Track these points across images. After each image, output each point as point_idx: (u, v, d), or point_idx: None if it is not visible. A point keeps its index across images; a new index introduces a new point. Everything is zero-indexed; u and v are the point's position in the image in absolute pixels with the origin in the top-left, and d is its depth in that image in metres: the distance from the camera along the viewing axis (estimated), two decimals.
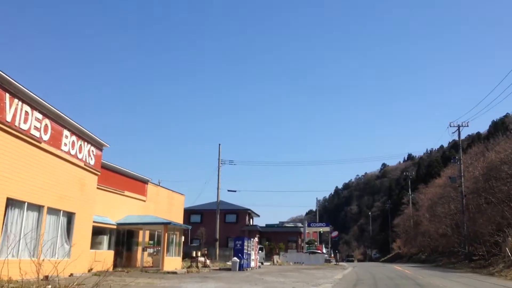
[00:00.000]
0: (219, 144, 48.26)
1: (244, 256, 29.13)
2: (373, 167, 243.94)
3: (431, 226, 58.58)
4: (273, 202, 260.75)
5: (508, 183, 39.46)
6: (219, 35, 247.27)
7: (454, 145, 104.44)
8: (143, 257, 24.35)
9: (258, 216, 63.02)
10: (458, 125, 46.05)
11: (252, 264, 31.72)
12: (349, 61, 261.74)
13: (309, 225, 66.76)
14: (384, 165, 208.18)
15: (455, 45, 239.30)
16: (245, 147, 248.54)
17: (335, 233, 78.56)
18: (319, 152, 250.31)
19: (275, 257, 44.87)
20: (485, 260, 37.77)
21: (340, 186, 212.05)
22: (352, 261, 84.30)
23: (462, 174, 45.63)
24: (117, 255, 24.57)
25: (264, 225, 60.07)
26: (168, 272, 22.51)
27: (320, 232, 76.46)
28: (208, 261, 35.35)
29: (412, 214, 74.17)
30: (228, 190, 48.75)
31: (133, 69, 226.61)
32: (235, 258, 28.53)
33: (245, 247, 29.33)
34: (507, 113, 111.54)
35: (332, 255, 73.63)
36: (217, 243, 46.91)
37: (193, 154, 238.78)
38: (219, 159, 48.01)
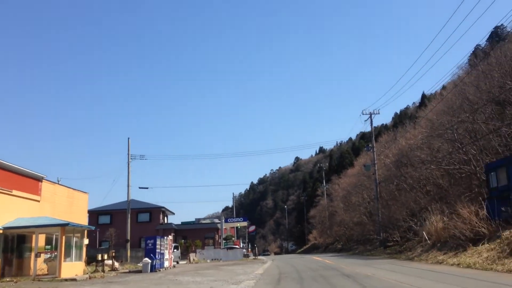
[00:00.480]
0: (128, 138, 44.82)
1: (157, 256, 26.42)
2: (287, 161, 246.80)
3: (346, 216, 58.83)
4: (188, 199, 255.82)
5: (419, 169, 39.76)
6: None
7: (362, 136, 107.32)
8: (36, 264, 20.91)
9: (173, 214, 60.08)
10: (370, 112, 46.05)
11: (166, 264, 29.06)
12: (257, 52, 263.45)
13: (226, 221, 64.70)
14: (297, 158, 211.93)
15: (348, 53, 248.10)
16: (157, 142, 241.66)
17: (252, 228, 77.34)
18: (235, 146, 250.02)
19: (191, 255, 42.32)
20: (400, 246, 37.80)
21: (255, 181, 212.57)
22: (268, 254, 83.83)
23: (375, 162, 45.69)
24: (5, 263, 20.99)
25: (180, 223, 57.19)
26: (66, 280, 19.36)
27: (237, 227, 74.95)
28: (117, 264, 32.25)
29: (327, 205, 74.56)
30: (140, 187, 46.55)
31: (30, 52, 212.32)
32: (147, 258, 25.77)
33: (157, 247, 26.61)
34: (408, 105, 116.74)
35: (250, 249, 72.35)
36: (128, 244, 43.53)
37: (100, 150, 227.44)
38: (128, 154, 44.57)
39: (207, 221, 59.53)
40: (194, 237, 53.12)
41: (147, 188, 44.61)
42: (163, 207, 53.18)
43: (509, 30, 52.17)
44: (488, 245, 20.74)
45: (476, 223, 22.53)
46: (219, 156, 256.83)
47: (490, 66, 31.76)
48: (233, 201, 79.20)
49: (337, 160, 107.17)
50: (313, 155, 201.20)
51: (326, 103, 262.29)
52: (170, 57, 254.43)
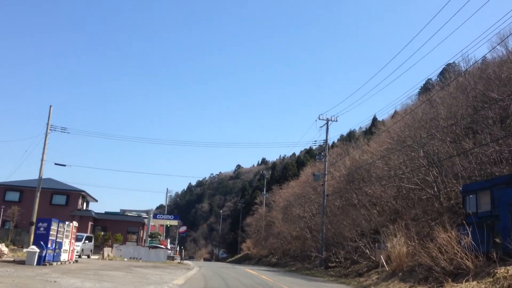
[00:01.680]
0: (50, 106, 37.78)
1: (50, 245, 20.05)
2: (228, 168, 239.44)
3: (285, 228, 53.77)
4: (116, 185, 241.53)
5: (372, 186, 35.49)
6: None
7: (309, 151, 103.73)
8: None
9: (96, 201, 52.85)
10: (327, 118, 41.29)
11: (64, 256, 22.64)
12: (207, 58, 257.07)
13: (155, 217, 57.93)
14: (238, 166, 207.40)
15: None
16: (89, 118, 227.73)
17: (183, 228, 70.73)
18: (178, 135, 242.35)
19: (106, 250, 35.73)
20: (344, 268, 33.12)
21: (194, 183, 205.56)
22: (193, 259, 77.58)
23: (326, 172, 40.92)
24: None
25: (103, 212, 50.07)
26: None
27: (167, 225, 68.21)
28: (5, 250, 25.53)
29: (265, 214, 69.35)
30: (56, 164, 38.29)
31: None
32: (34, 247, 19.34)
33: (52, 233, 20.23)
34: (353, 129, 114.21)
35: (178, 252, 65.90)
36: (33, 227, 36.35)
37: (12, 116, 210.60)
38: (48, 123, 37.53)
39: (133, 213, 52.64)
40: (115, 229, 46.33)
41: (64, 165, 37.50)
42: (84, 191, 46.06)
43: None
44: (475, 283, 15.86)
45: (458, 253, 17.65)
46: (156, 142, 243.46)
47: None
48: (166, 196, 72.58)
49: (280, 171, 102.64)
50: (255, 165, 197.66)
51: (274, 109, 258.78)
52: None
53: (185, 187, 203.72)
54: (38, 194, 36.97)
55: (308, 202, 51.70)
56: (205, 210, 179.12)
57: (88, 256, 35.01)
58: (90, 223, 46.35)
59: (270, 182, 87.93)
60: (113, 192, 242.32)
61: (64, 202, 45.50)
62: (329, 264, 38.20)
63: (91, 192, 49.44)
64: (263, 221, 67.87)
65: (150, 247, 39.32)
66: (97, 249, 38.71)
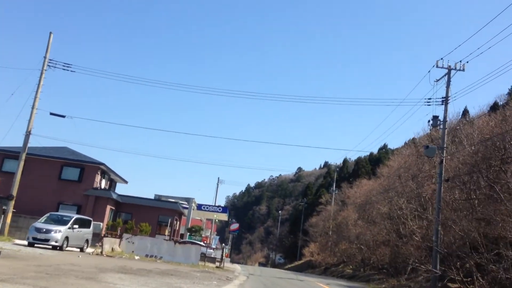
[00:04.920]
0: (50, 33, 25.64)
1: None
2: (289, 170, 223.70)
3: (366, 230, 39.17)
4: (154, 171, 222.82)
5: None
6: None
7: (382, 148, 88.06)
8: None
9: (125, 182, 40.50)
10: (449, 66, 26.66)
11: None
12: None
13: (199, 208, 45.25)
14: (299, 169, 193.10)
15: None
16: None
17: (235, 226, 57.42)
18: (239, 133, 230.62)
19: (109, 242, 22.94)
20: None
21: (252, 184, 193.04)
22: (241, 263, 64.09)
23: (445, 145, 26.22)
24: None
25: (130, 196, 37.54)
26: None
27: (215, 220, 55.36)
28: None
29: (335, 213, 54.81)
30: (52, 114, 26.05)
31: None
32: None
33: None
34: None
35: (227, 252, 52.76)
36: (11, 203, 24.33)
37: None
38: (46, 56, 25.44)
39: (171, 200, 39.83)
40: (143, 218, 33.66)
41: (63, 116, 24.65)
42: (103, 164, 33.65)
43: None
44: None
45: None
46: (211, 136, 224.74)
47: None
48: (217, 186, 59.44)
49: (352, 167, 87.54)
50: (317, 168, 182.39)
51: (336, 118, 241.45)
52: None
53: (243, 189, 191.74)
54: (23, 157, 24.95)
55: (397, 196, 37.11)
56: (262, 212, 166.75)
57: (82, 249, 22.33)
58: (109, 206, 33.98)
59: (338, 180, 73.09)
60: (152, 177, 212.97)
61: (76, 177, 33.34)
62: (450, 285, 23.82)
63: (117, 170, 37.23)
64: (331, 222, 53.35)
65: (177, 241, 26.13)
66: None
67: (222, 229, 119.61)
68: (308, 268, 56.39)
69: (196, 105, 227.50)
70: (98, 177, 34.11)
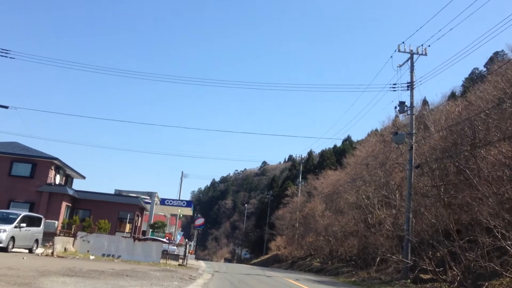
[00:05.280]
0: None
1: None
2: (253, 164, 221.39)
3: (335, 221, 38.33)
4: (112, 164, 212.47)
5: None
6: None
7: (346, 140, 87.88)
8: None
9: (83, 178, 38.25)
10: (411, 51, 25.93)
11: None
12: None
13: (162, 202, 43.45)
14: (264, 162, 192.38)
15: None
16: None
17: (200, 221, 55.49)
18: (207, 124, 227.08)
19: (61, 241, 21.04)
20: (448, 283, 18.66)
21: (217, 179, 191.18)
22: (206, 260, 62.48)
23: (414, 131, 25.47)
24: None
25: (87, 191, 35.32)
26: None
27: (179, 215, 53.58)
28: None
29: (302, 204, 53.94)
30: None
31: None
32: None
33: None
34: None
35: (192, 250, 51.05)
36: None
37: None
38: None
39: (132, 195, 37.82)
40: (102, 214, 31.57)
41: (6, 107, 22.35)
42: (57, 159, 31.42)
43: None
44: None
45: None
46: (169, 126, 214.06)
47: None
48: (181, 180, 57.57)
49: (315, 161, 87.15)
50: (282, 162, 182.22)
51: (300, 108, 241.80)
52: None
53: (209, 183, 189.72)
54: None
55: (364, 185, 36.47)
56: (228, 207, 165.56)
57: (30, 250, 20.33)
58: (64, 203, 31.78)
59: (304, 172, 72.35)
60: (112, 172, 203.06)
61: (28, 173, 30.97)
62: (422, 276, 23.10)
63: (73, 165, 35.02)
64: (298, 214, 52.43)
65: (136, 238, 24.38)
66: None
67: (187, 226, 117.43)
68: (275, 262, 55.37)
69: (156, 95, 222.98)
70: (52, 173, 31.84)
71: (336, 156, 78.98)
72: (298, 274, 30.93)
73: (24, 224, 19.47)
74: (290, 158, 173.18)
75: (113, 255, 22.11)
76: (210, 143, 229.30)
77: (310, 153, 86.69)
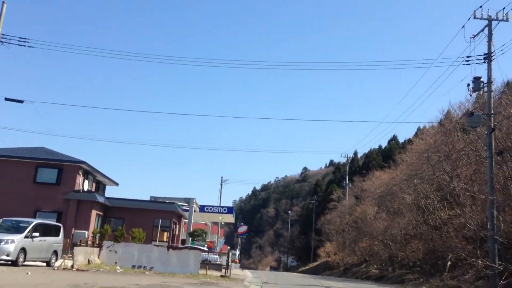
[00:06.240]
0: (4, 3, 20.67)
1: None
2: (294, 171, 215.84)
3: (394, 224, 33.87)
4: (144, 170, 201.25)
5: None
6: None
7: (393, 139, 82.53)
8: None
9: (116, 184, 35.46)
10: (489, 17, 21.54)
11: None
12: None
13: (201, 209, 40.11)
14: (305, 169, 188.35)
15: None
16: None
17: (243, 228, 52.16)
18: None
19: (81, 252, 17.78)
20: None
21: (258, 187, 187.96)
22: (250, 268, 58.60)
23: (492, 112, 21.00)
24: None
25: (120, 198, 32.36)
26: None
27: (221, 222, 50.22)
28: None
29: (350, 208, 49.55)
30: (7, 99, 21.03)
31: None
32: None
33: None
34: None
35: (236, 259, 47.49)
36: None
37: None
38: None
39: (167, 202, 34.59)
40: (136, 223, 28.56)
41: (21, 101, 19.27)
42: (84, 162, 28.63)
43: None
44: None
45: None
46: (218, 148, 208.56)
47: None
48: (221, 185, 54.23)
49: (360, 162, 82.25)
50: (323, 167, 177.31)
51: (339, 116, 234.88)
52: None
53: (250, 192, 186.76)
54: None
55: (424, 183, 32.07)
56: (270, 215, 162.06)
57: (48, 263, 17.17)
58: (94, 211, 28.87)
59: (349, 174, 67.70)
60: (147, 179, 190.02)
61: (54, 179, 28.24)
62: None
63: (108, 173, 32.17)
64: (348, 217, 48.03)
65: (170, 247, 20.92)
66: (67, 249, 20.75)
67: (230, 235, 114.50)
68: (325, 269, 51.10)
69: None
70: (79, 178, 29.00)
71: (382, 157, 74.14)
72: (358, 283, 26.75)
73: (37, 234, 16.36)
74: (331, 163, 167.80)
75: (144, 267, 18.73)
76: (250, 151, 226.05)
77: (355, 154, 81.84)
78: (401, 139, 78.14)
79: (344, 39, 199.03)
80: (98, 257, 19.07)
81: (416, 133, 59.66)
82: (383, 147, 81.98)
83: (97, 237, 27.72)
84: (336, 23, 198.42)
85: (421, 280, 26.67)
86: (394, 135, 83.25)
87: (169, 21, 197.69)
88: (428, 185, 31.85)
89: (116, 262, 18.80)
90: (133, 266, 18.78)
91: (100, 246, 19.79)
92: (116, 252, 19.24)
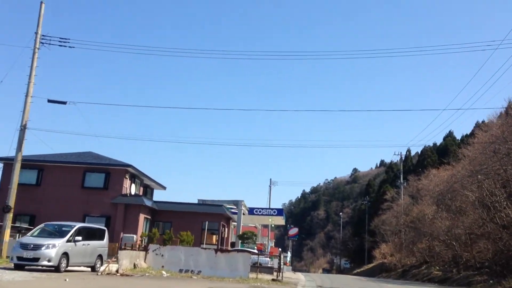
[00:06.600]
0: (42, 3, 20.35)
1: None
2: (344, 172, 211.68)
3: (458, 223, 31.37)
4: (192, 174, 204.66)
5: None
6: None
7: (448, 135, 78.57)
8: None
9: (164, 188, 34.94)
10: None
11: None
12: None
13: (251, 211, 39.00)
14: (355, 170, 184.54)
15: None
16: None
17: (294, 230, 50.98)
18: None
19: (126, 256, 16.92)
20: None
21: (307, 190, 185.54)
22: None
23: None
24: None
25: (167, 201, 31.69)
26: None
27: (271, 224, 48.94)
28: None
29: (406, 208, 46.98)
30: (50, 101, 20.64)
31: None
32: None
33: None
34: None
35: (288, 262, 46.10)
36: (9, 215, 18.99)
37: None
38: (38, 30, 20.09)
39: (215, 204, 33.59)
40: (184, 226, 27.78)
41: (64, 103, 18.83)
42: (130, 166, 28.10)
43: None
44: None
45: None
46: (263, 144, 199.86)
47: None
48: (270, 187, 52.93)
49: (417, 158, 78.98)
50: (373, 167, 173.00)
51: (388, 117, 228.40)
52: None
53: (299, 195, 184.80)
54: (18, 162, 19.58)
55: (488, 179, 29.39)
56: (321, 217, 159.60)
57: (93, 268, 16.46)
58: (142, 215, 28.30)
59: (403, 173, 64.75)
60: (194, 182, 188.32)
61: (101, 183, 27.88)
62: None
63: (155, 176, 31.59)
64: (404, 217, 45.49)
65: (219, 250, 19.74)
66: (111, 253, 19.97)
67: (281, 238, 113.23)
68: (382, 271, 48.68)
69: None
70: (127, 182, 28.51)
71: (437, 154, 70.60)
72: (421, 286, 24.66)
73: (79, 238, 15.65)
74: (382, 163, 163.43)
75: (192, 271, 17.68)
76: (299, 151, 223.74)
77: (408, 152, 78.52)
78: (457, 135, 74.44)
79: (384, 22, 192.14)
80: (145, 261, 18.21)
81: (475, 127, 56.28)
82: (438, 144, 78.33)
83: (146, 241, 27.16)
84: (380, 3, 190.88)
85: (491, 282, 24.33)
86: (450, 131, 79.42)
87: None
88: (493, 181, 29.24)
89: (163, 266, 17.86)
90: (180, 270, 17.78)
91: (146, 249, 18.92)
92: (162, 255, 18.31)
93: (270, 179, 53.81)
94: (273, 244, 63.16)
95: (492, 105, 40.49)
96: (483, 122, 50.49)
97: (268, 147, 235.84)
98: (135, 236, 26.86)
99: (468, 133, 62.48)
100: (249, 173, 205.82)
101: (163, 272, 16.95)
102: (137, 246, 24.64)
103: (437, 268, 34.58)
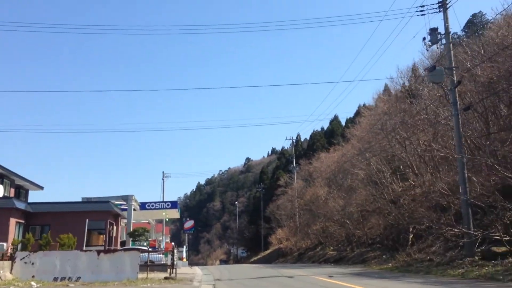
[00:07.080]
0: None
1: None
2: (237, 162, 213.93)
3: (350, 201, 31.87)
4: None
5: None
6: None
7: (334, 119, 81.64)
8: None
9: (41, 188, 31.11)
10: None
11: None
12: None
13: (143, 206, 36.45)
14: (248, 159, 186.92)
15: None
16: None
17: (190, 223, 49.19)
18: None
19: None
20: None
21: (202, 182, 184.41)
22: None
23: (454, 65, 19.13)
24: None
25: (45, 202, 28.11)
26: None
27: (165, 218, 46.60)
28: None
29: (300, 191, 47.51)
30: None
31: None
32: None
33: None
34: None
35: (184, 256, 44.09)
36: None
37: None
38: None
39: (101, 201, 30.56)
40: (65, 228, 24.51)
41: None
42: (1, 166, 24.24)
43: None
44: None
45: None
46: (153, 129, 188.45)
47: None
48: (163, 180, 50.51)
49: (304, 145, 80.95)
50: (265, 156, 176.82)
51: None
52: None
53: (194, 188, 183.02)
54: None
55: (376, 156, 30.24)
56: (217, 208, 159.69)
57: None
58: (13, 220, 24.63)
59: (295, 157, 65.79)
60: (80, 180, 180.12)
61: None
62: (495, 250, 17.05)
63: (25, 173, 27.65)
64: (299, 200, 45.92)
65: (102, 251, 17.36)
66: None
67: (177, 232, 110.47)
68: (278, 257, 48.88)
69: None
70: None
71: (325, 138, 72.99)
72: (319, 268, 24.39)
73: None
74: (274, 150, 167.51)
75: (69, 278, 15.21)
76: (191, 142, 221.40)
77: (298, 137, 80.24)
78: (342, 120, 77.47)
79: None
80: (11, 272, 15.32)
81: (359, 107, 58.72)
82: (325, 128, 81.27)
83: (20, 248, 23.63)
84: None
85: (384, 256, 24.80)
86: (335, 115, 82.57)
87: None
88: (380, 158, 30.08)
89: (33, 276, 15.16)
90: (55, 279, 15.22)
91: (12, 258, 15.99)
92: (33, 263, 15.57)
93: (163, 172, 51.50)
94: (168, 240, 60.71)
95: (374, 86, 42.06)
96: (364, 105, 52.81)
97: (157, 135, 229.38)
98: (5, 244, 23.14)
99: (352, 116, 65.43)
100: (140, 167, 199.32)
101: (33, 283, 14.26)
102: (8, 255, 21.30)
103: (332, 248, 35.09)
